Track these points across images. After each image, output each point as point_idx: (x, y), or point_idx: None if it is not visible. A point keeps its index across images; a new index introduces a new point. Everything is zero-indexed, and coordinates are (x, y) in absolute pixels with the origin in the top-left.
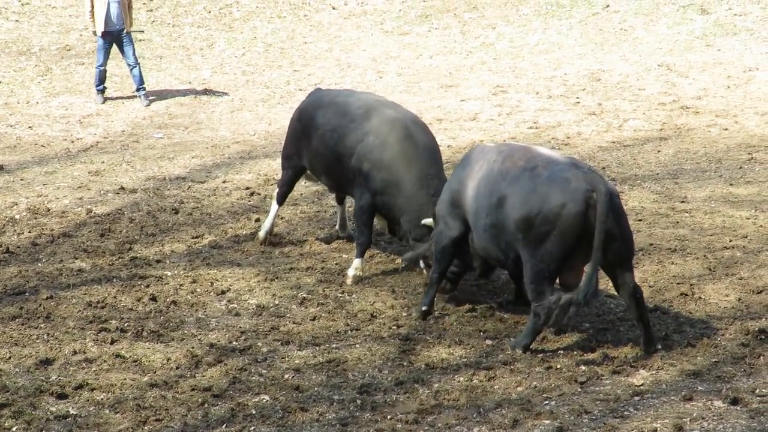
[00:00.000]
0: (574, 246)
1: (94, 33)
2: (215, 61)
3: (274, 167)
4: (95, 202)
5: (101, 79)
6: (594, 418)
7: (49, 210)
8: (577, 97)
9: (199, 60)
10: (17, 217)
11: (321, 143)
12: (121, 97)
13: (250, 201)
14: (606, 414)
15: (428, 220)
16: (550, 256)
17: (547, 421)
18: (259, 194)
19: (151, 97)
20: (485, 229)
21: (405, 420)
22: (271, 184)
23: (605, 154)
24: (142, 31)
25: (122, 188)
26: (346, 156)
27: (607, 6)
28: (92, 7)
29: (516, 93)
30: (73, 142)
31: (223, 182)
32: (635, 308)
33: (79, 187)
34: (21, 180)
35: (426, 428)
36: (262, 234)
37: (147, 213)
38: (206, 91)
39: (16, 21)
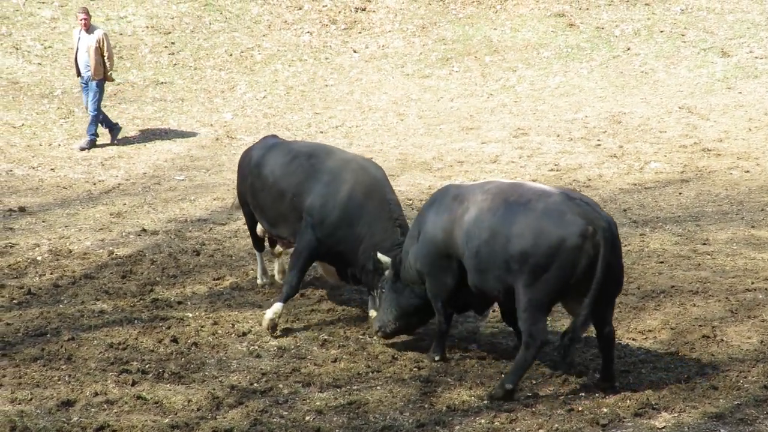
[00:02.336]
0: (570, 279)
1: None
2: (236, 103)
3: None
4: (117, 243)
5: (90, 122)
6: None
7: (71, 252)
8: (598, 140)
9: (220, 102)
10: (39, 258)
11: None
12: (143, 140)
13: None
14: None
15: (384, 257)
16: (546, 289)
17: None
18: None
19: (91, 145)
20: (480, 267)
21: None
22: None
23: (626, 196)
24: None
25: (144, 230)
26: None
27: (628, 49)
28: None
29: (537, 135)
30: (95, 184)
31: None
32: (607, 345)
33: (101, 228)
34: (43, 222)
35: None
36: (259, 281)
37: (168, 255)
38: (228, 134)
39: (39, 64)
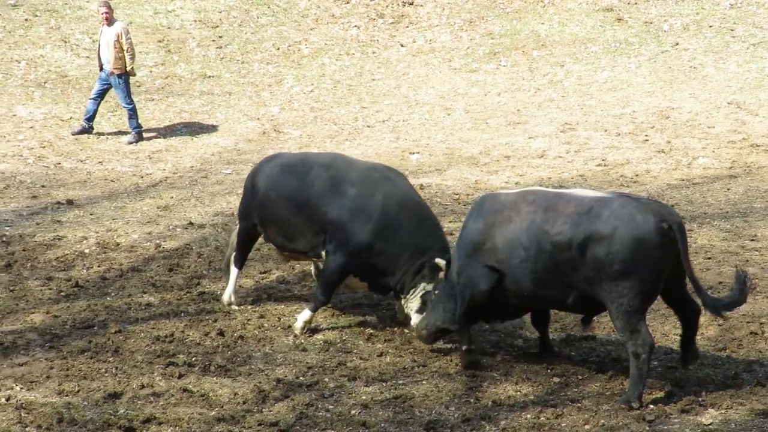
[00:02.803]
0: (658, 276)
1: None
2: (284, 97)
3: None
4: (164, 236)
5: (87, 110)
6: None
7: (118, 244)
8: (646, 135)
9: (267, 96)
10: (87, 251)
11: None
12: (190, 134)
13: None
14: None
15: (441, 261)
16: (637, 292)
17: None
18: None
19: (138, 138)
20: (539, 277)
21: None
22: None
23: (674, 192)
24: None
25: (191, 223)
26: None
27: (677, 44)
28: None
29: (584, 131)
30: (142, 177)
31: None
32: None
33: (148, 222)
34: (91, 215)
35: None
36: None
37: (215, 248)
38: (275, 127)
39: (87, 57)
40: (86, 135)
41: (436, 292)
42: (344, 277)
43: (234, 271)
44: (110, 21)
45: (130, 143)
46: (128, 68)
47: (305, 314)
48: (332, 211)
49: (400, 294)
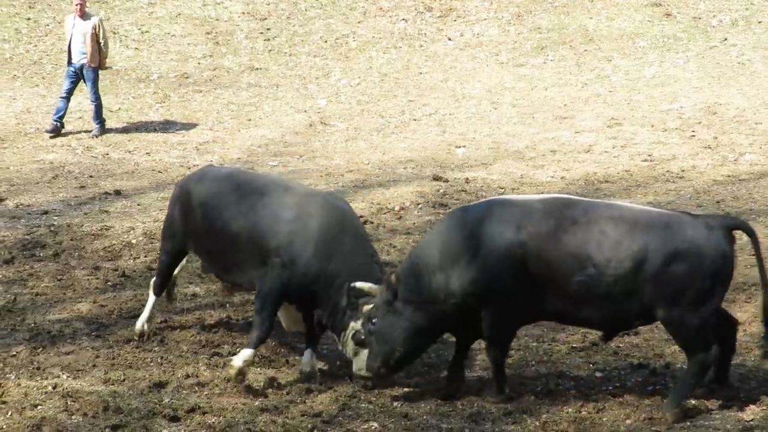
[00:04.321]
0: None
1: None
2: (331, 90)
3: (387, 196)
4: None
5: (58, 110)
6: None
7: None
8: (693, 131)
9: (314, 89)
10: (134, 241)
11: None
12: (237, 126)
13: None
14: None
15: (366, 284)
16: (712, 306)
17: None
18: (372, 222)
19: (103, 131)
20: (598, 293)
21: None
22: (384, 213)
23: (720, 188)
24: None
25: None
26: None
27: (725, 39)
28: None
29: (631, 126)
30: (189, 168)
31: None
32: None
33: None
34: (138, 205)
35: None
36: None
37: None
38: (321, 120)
39: (136, 49)
40: (135, 127)
41: (372, 322)
42: (279, 303)
43: (151, 297)
44: (84, 14)
45: (96, 136)
46: (103, 62)
47: (245, 353)
48: (269, 238)
49: (333, 332)
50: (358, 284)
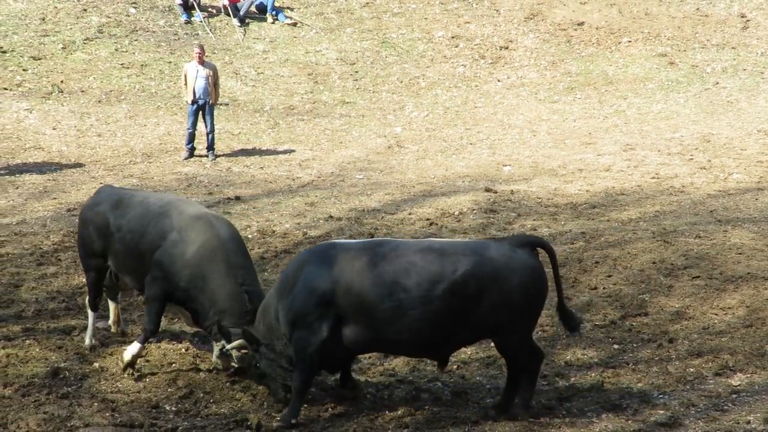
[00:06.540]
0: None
1: (186, 101)
2: (405, 120)
3: (449, 203)
4: (310, 226)
5: (189, 139)
6: (699, 410)
7: (274, 232)
8: (691, 155)
9: (392, 119)
10: (249, 236)
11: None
12: (332, 147)
13: (429, 229)
14: (709, 407)
15: (234, 344)
16: (524, 318)
17: (661, 412)
18: (437, 224)
19: (218, 155)
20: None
21: (547, 406)
22: (446, 217)
23: (713, 200)
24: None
25: (330, 216)
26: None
27: (717, 83)
28: (185, 80)
29: (642, 150)
30: (293, 180)
31: (409, 214)
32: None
33: (298, 214)
34: (253, 208)
35: (564, 413)
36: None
37: (349, 236)
38: (397, 143)
39: (253, 86)
40: (251, 147)
41: (256, 366)
42: (163, 306)
43: (90, 314)
44: (203, 61)
45: (213, 161)
46: (217, 99)
47: (134, 347)
48: (156, 255)
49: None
50: (228, 345)
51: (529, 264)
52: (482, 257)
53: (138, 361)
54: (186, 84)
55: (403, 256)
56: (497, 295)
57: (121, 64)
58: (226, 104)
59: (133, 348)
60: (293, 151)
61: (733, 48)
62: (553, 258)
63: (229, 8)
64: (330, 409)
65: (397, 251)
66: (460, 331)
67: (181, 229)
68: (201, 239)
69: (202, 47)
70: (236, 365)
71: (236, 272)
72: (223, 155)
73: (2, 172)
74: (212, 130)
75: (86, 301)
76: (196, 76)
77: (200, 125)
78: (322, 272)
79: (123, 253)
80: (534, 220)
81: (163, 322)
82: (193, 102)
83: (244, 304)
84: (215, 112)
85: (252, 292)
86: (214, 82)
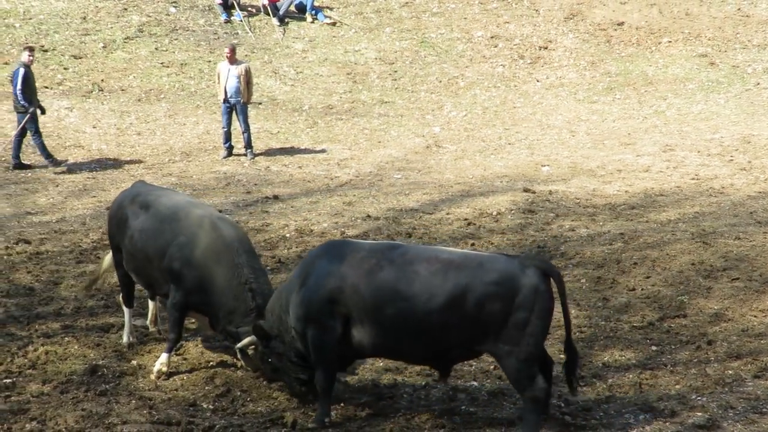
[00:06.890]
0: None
1: (220, 100)
2: (443, 119)
3: (487, 203)
4: (347, 225)
5: (226, 138)
6: (738, 413)
7: (311, 231)
8: (731, 156)
9: (431, 119)
10: (288, 235)
11: (131, 244)
12: (370, 146)
13: (467, 229)
14: (748, 410)
15: (245, 341)
16: (529, 338)
17: (699, 414)
18: (475, 224)
19: (256, 153)
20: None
21: (585, 407)
22: (485, 217)
23: (753, 201)
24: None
25: (368, 216)
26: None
27: (758, 84)
28: (218, 79)
29: (681, 151)
30: (332, 179)
31: (447, 214)
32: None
33: (336, 214)
34: (291, 207)
35: (601, 414)
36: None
37: (387, 236)
38: (436, 143)
39: (292, 85)
40: (290, 146)
41: (269, 360)
42: (185, 313)
43: (125, 311)
44: (234, 60)
45: (251, 160)
46: (250, 98)
47: (163, 358)
48: (166, 259)
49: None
50: (238, 345)
51: (533, 284)
52: (487, 272)
53: (175, 359)
54: (218, 83)
55: (409, 263)
56: (498, 312)
57: (161, 63)
58: (260, 104)
59: (162, 359)
60: (332, 150)
61: None
62: (561, 286)
63: (268, 7)
64: (367, 408)
65: (405, 257)
66: (458, 346)
67: (186, 233)
68: (205, 242)
69: (232, 47)
70: (260, 363)
71: (240, 272)
72: (261, 154)
73: (61, 169)
74: (246, 129)
75: (119, 298)
76: (227, 76)
77: (236, 124)
78: (333, 269)
79: (132, 253)
80: (572, 220)
81: None
82: (225, 101)
83: (248, 302)
84: (251, 112)
85: (256, 290)
86: (246, 82)
